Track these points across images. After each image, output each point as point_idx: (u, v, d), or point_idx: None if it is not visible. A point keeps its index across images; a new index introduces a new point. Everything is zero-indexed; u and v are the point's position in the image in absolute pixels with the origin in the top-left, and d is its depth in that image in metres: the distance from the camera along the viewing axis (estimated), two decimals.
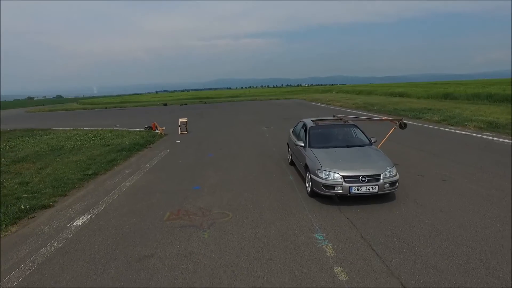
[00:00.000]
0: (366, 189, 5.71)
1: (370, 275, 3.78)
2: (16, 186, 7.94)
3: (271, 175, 8.15)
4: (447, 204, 5.84)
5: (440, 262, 3.98)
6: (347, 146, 7.00)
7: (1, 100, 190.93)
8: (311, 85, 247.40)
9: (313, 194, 6.25)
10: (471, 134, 12.95)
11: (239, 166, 9.31)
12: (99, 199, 6.88)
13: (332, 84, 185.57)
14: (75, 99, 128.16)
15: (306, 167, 6.57)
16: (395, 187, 5.93)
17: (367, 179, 5.72)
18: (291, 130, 9.35)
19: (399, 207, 5.78)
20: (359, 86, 70.97)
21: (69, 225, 5.57)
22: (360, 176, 5.73)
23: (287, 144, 9.49)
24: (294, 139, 8.09)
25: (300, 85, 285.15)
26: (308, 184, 6.40)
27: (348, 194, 5.75)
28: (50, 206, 6.58)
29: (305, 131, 7.63)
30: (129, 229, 5.29)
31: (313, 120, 8.11)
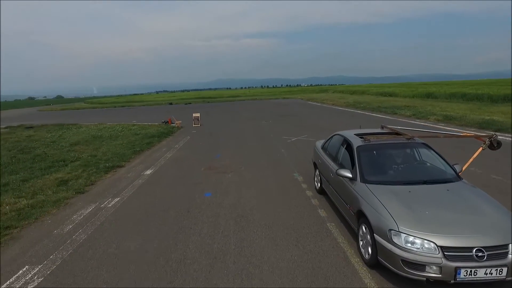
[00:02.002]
0: (486, 273, 3.26)
1: None
2: (89, 158, 11.27)
3: (268, 149, 11.50)
4: None
5: None
6: (425, 182, 4.41)
7: (2, 100, 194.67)
8: (311, 85, 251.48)
9: (376, 264, 3.87)
10: (427, 124, 16.31)
11: (245, 145, 12.68)
12: (153, 163, 10.22)
13: (332, 84, 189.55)
14: (76, 99, 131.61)
15: (361, 216, 4.21)
16: None
17: (487, 254, 3.29)
18: (320, 144, 7.05)
19: None
20: (354, 87, 74.41)
21: (142, 174, 8.92)
22: (473, 248, 3.32)
23: (314, 163, 7.17)
24: (331, 163, 5.80)
25: (300, 85, 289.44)
26: (366, 246, 4.08)
27: (452, 281, 3.31)
28: (123, 166, 9.95)
29: (350, 152, 5.17)
30: (182, 174, 8.64)
31: (358, 135, 5.52)
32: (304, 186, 7.22)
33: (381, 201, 3.96)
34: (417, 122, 17.56)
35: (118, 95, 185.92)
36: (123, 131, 18.59)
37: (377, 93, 46.74)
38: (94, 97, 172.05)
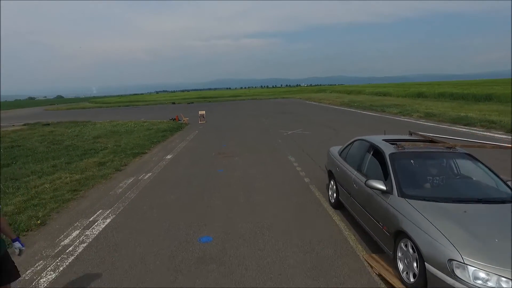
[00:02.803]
0: None
1: None
2: (115, 147, 13.21)
3: (267, 140, 13.48)
4: None
5: None
6: (480, 201, 3.71)
7: (2, 100, 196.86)
8: (310, 85, 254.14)
9: None
10: (410, 120, 18.29)
11: (247, 137, 14.66)
12: (171, 150, 12.18)
13: (331, 84, 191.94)
14: (76, 99, 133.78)
15: (401, 237, 3.54)
16: None
17: None
18: (337, 150, 6.36)
19: None
20: (351, 87, 76.45)
21: (164, 158, 10.88)
22: None
23: (328, 171, 6.45)
24: (354, 172, 5.09)
25: (299, 85, 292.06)
26: (407, 274, 3.44)
27: None
28: (146, 153, 11.91)
29: (381, 160, 4.51)
30: (197, 158, 10.60)
31: (387, 141, 4.84)
32: (295, 164, 9.18)
33: (432, 222, 3.26)
34: (402, 118, 19.55)
35: (118, 95, 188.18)
36: (136, 127, 20.52)
37: (372, 93, 48.76)
38: (94, 97, 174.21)
